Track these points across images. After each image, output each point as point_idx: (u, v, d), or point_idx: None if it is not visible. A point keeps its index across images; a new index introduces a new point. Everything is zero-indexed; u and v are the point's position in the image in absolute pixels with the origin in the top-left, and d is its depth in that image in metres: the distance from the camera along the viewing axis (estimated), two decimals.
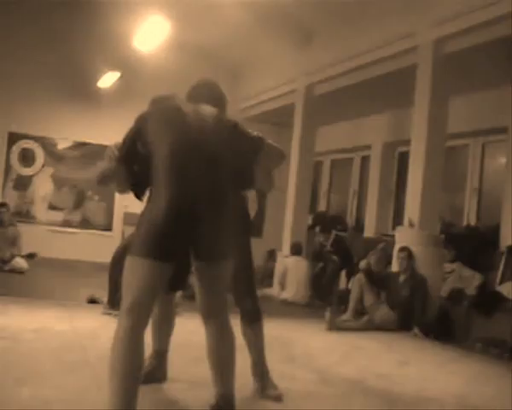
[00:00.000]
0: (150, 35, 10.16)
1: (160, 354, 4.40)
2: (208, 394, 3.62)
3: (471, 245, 9.03)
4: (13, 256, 10.67)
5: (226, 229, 3.40)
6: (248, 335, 4.35)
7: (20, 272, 10.36)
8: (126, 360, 3.11)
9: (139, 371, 3.18)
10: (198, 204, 3.25)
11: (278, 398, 4.27)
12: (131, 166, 3.61)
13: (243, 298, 4.31)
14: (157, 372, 4.35)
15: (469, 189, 10.60)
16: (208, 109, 3.55)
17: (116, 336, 3.16)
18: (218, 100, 3.77)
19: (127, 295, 3.20)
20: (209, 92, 3.79)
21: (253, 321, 4.35)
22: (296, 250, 10.77)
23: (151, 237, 3.19)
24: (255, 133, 3.65)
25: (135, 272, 3.21)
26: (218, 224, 3.33)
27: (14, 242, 10.95)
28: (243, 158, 3.59)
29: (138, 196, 3.75)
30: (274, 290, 10.69)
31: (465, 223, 10.40)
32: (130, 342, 3.13)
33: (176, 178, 3.26)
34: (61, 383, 4.19)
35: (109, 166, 3.69)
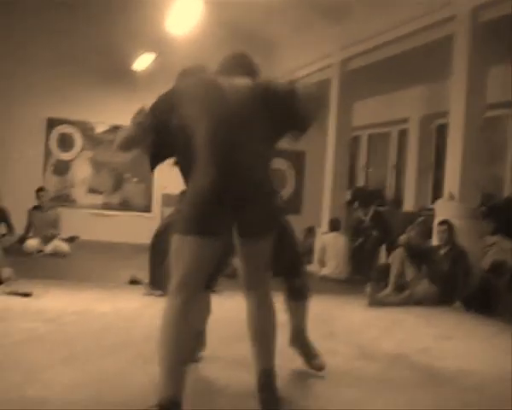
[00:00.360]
0: (185, 15, 10.12)
1: (197, 334, 4.29)
2: (246, 372, 3.64)
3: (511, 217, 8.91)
4: (53, 236, 10.87)
5: (269, 204, 3.39)
6: (293, 308, 4.35)
7: (63, 255, 10.54)
8: (176, 339, 3.13)
9: (188, 349, 3.22)
10: (240, 181, 3.23)
11: (322, 366, 4.32)
12: (155, 135, 3.58)
13: (291, 276, 4.31)
14: (194, 353, 4.28)
15: (509, 159, 10.45)
16: (243, 82, 3.46)
17: (165, 315, 3.17)
18: (252, 71, 3.65)
19: (175, 275, 3.20)
20: (242, 63, 3.67)
21: (300, 298, 4.35)
22: (334, 226, 10.73)
23: (194, 213, 3.19)
24: (286, 84, 3.53)
25: (180, 250, 3.21)
26: (262, 200, 3.32)
27: (54, 224, 11.13)
28: (283, 112, 3.47)
29: (152, 167, 3.70)
30: (313, 267, 10.69)
31: (505, 194, 10.27)
32: (180, 320, 3.14)
33: (217, 156, 3.22)
34: (103, 364, 4.25)
35: (134, 131, 3.65)
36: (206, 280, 3.43)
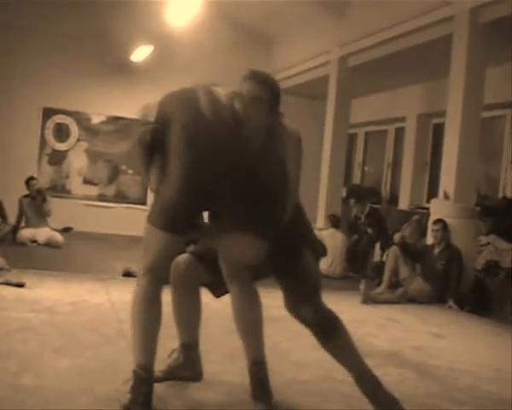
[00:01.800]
0: (183, 7, 10.10)
1: (188, 348, 3.80)
2: (239, 366, 3.63)
3: (507, 217, 8.93)
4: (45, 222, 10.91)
5: (242, 202, 3.35)
6: (333, 353, 3.61)
7: (57, 246, 10.50)
8: (144, 313, 3.36)
9: (157, 323, 3.34)
10: (214, 181, 3.23)
11: None
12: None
13: (302, 307, 3.50)
14: (186, 369, 3.78)
15: (505, 160, 10.46)
16: (221, 90, 3.38)
17: (134, 293, 3.41)
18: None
19: (144, 259, 3.40)
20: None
21: (327, 335, 3.56)
22: (334, 222, 10.60)
23: (165, 211, 3.29)
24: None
25: (151, 239, 3.37)
26: (234, 198, 3.32)
27: (44, 209, 11.04)
28: None
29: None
30: None
31: (501, 195, 10.28)
32: (147, 296, 3.36)
33: (190, 158, 3.23)
34: (97, 355, 4.26)
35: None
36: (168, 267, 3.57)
